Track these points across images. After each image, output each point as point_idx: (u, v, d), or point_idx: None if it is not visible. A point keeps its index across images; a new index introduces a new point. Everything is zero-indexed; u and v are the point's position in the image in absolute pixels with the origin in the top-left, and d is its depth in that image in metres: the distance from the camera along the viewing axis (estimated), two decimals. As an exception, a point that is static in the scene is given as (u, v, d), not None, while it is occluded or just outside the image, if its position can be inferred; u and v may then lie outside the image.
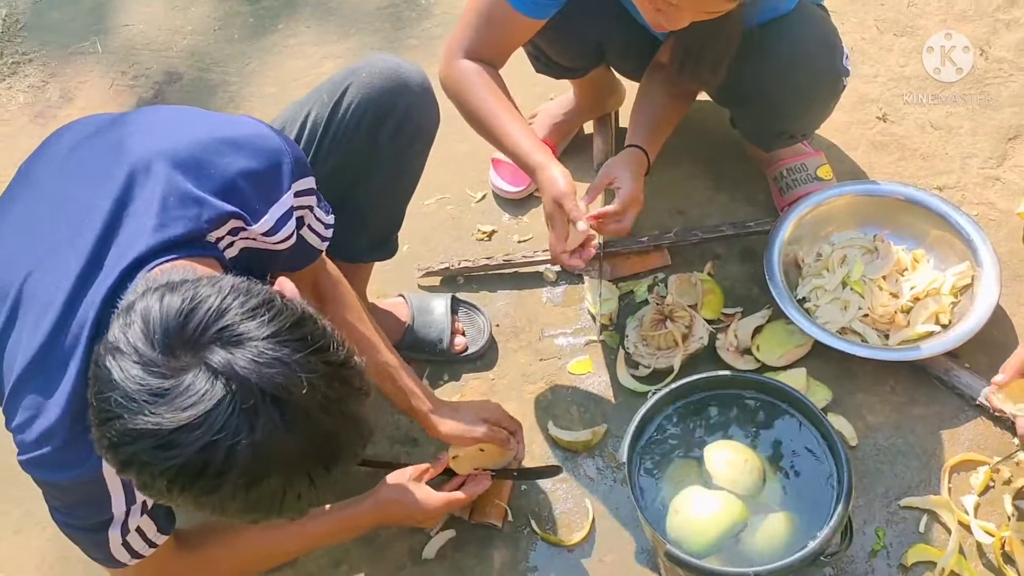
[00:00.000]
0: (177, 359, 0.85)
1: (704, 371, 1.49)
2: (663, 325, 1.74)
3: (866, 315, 1.70)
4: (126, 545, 1.14)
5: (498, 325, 1.85)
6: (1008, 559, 1.48)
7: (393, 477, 1.49)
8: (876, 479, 1.58)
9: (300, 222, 1.23)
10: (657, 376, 1.72)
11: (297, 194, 1.19)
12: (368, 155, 1.46)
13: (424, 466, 1.51)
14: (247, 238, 1.16)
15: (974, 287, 1.69)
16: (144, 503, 1.14)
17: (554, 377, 1.78)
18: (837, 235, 1.79)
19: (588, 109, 2.01)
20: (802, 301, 1.73)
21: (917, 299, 1.70)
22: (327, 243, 1.33)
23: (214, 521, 1.29)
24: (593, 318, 1.81)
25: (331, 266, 1.44)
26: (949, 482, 1.56)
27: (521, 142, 1.51)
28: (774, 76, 1.57)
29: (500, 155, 2.00)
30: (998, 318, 1.69)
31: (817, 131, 1.87)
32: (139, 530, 1.14)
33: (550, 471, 1.62)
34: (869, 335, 1.68)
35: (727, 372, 1.53)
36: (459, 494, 1.50)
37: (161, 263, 1.04)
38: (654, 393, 1.44)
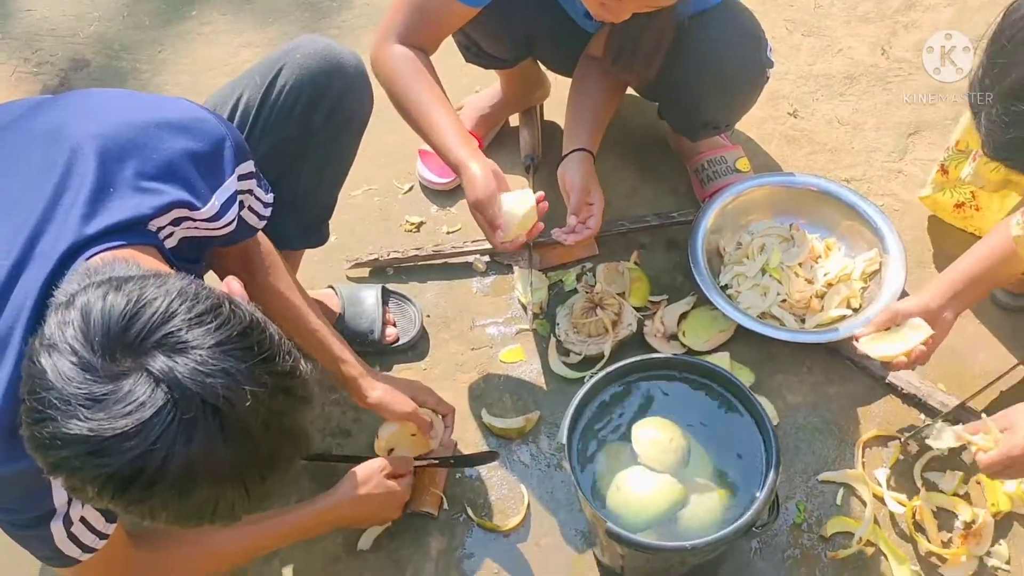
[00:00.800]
0: (117, 363, 0.82)
1: (634, 356, 1.53)
2: (593, 313, 1.77)
3: (784, 300, 1.77)
4: (72, 538, 1.10)
5: (429, 316, 1.85)
6: (919, 527, 1.57)
7: (362, 471, 1.48)
8: (796, 456, 1.66)
9: (241, 204, 1.21)
10: (588, 363, 1.75)
11: (240, 177, 1.16)
12: (301, 138, 1.44)
13: (384, 460, 1.52)
14: (190, 227, 1.13)
15: (882, 273, 1.79)
16: None
17: (486, 366, 1.79)
18: (756, 224, 1.87)
19: (515, 101, 2.04)
20: (725, 288, 1.80)
21: (830, 285, 1.79)
22: (264, 221, 1.31)
23: None
24: (524, 307, 1.84)
25: (262, 236, 1.41)
26: (863, 456, 1.65)
27: (447, 136, 1.51)
28: (703, 67, 1.63)
29: (427, 147, 2.01)
30: (904, 302, 1.79)
31: (735, 125, 1.94)
32: (83, 520, 1.10)
33: (486, 457, 1.63)
34: (787, 319, 1.76)
35: (661, 354, 1.58)
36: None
37: (101, 251, 1.00)
38: (591, 376, 1.47)
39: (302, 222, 1.58)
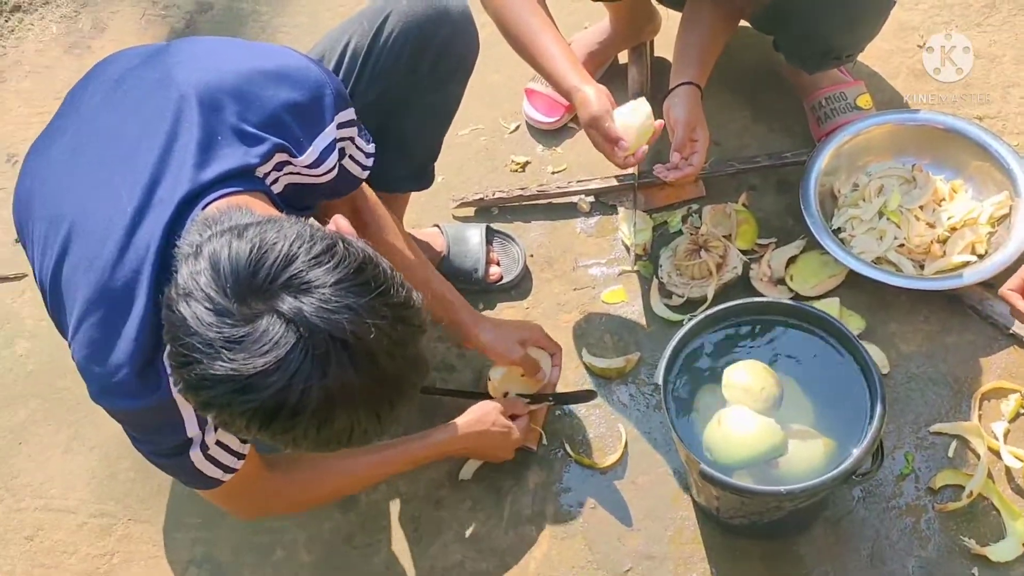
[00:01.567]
0: (249, 307, 0.88)
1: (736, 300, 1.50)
2: (697, 255, 1.75)
3: (902, 245, 1.70)
4: (211, 460, 1.18)
5: (532, 255, 1.86)
6: (1036, 484, 1.50)
7: (481, 408, 1.55)
8: (907, 406, 1.60)
9: (342, 153, 1.24)
10: (690, 305, 1.73)
11: (339, 126, 1.19)
12: (408, 85, 1.46)
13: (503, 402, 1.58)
14: (292, 172, 1.17)
15: (1012, 217, 1.68)
16: None
17: (588, 306, 1.80)
18: (875, 165, 1.78)
19: (624, 38, 1.99)
20: (837, 232, 1.73)
21: (954, 229, 1.70)
22: (367, 172, 1.34)
23: None
24: (627, 248, 1.82)
25: (369, 191, 1.45)
26: (980, 409, 1.58)
27: (558, 62, 1.50)
28: None
29: (534, 85, 2.00)
30: (1035, 248, 1.68)
31: (857, 59, 1.84)
32: (219, 444, 1.18)
33: (585, 396, 1.65)
34: (904, 265, 1.69)
35: (762, 298, 1.54)
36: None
37: (216, 198, 1.06)
38: (691, 318, 1.45)
39: (409, 166, 1.60)
